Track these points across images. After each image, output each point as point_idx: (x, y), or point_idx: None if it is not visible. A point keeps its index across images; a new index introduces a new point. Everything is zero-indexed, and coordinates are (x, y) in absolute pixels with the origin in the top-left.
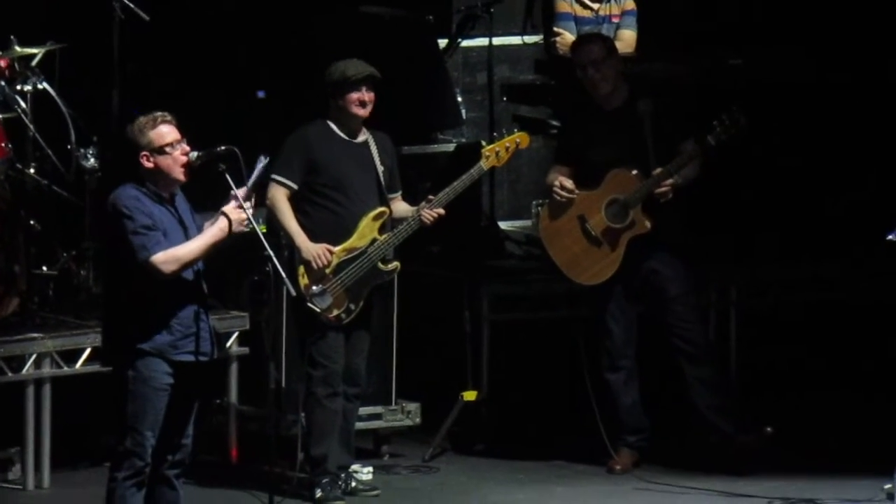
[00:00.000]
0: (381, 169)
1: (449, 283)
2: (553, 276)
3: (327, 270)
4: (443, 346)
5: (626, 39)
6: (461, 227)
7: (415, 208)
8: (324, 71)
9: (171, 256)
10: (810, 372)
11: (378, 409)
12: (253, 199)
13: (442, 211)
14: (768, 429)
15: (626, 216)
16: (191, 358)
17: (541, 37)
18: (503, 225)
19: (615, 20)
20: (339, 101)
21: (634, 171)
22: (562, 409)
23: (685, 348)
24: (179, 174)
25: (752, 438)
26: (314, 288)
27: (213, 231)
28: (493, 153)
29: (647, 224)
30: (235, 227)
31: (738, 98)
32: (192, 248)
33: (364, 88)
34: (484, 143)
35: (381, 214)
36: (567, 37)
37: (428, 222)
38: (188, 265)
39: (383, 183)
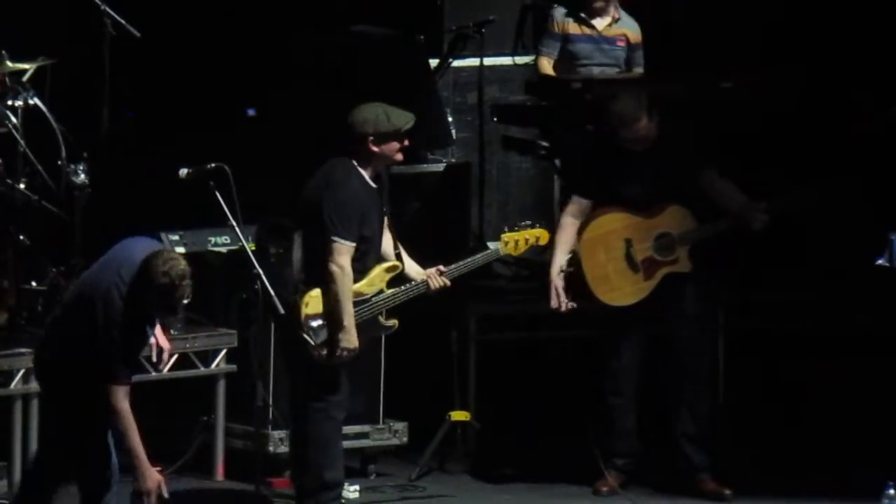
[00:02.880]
0: (385, 211)
1: (436, 302)
2: (540, 297)
3: None
4: (430, 366)
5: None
6: (450, 247)
7: (424, 273)
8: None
9: (121, 412)
10: (798, 394)
11: (365, 428)
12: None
13: (449, 283)
14: (727, 492)
15: (672, 251)
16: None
17: (531, 58)
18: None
19: (620, 44)
20: (379, 148)
21: (692, 212)
22: (548, 430)
23: (689, 371)
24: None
25: (712, 488)
26: (313, 321)
27: (145, 465)
28: (513, 241)
29: (689, 265)
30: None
31: (729, 121)
32: (134, 440)
33: (401, 142)
34: (506, 228)
35: (394, 268)
36: (545, 64)
37: (434, 289)
38: (121, 430)
39: (386, 229)
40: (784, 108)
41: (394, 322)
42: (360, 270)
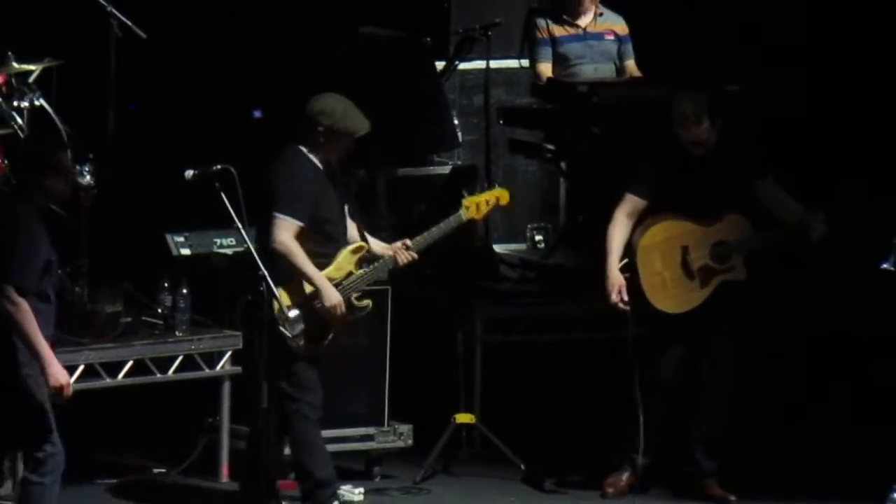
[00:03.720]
0: (346, 196)
1: (443, 305)
2: (546, 299)
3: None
4: (436, 368)
5: (631, 69)
6: (456, 249)
7: (390, 250)
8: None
9: (22, 313)
10: (803, 401)
11: (370, 431)
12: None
13: (416, 256)
14: (732, 497)
15: (728, 259)
16: None
17: (530, 63)
18: (498, 248)
19: (609, 37)
20: (326, 141)
21: (749, 221)
22: (554, 432)
23: (717, 381)
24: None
25: (718, 493)
26: (288, 312)
27: (47, 352)
28: (474, 205)
29: (744, 273)
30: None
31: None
32: (35, 336)
33: (357, 142)
34: (465, 193)
35: (359, 249)
36: (544, 69)
37: (402, 264)
38: (22, 335)
39: (346, 209)
40: (787, 112)
41: (367, 302)
42: (325, 256)
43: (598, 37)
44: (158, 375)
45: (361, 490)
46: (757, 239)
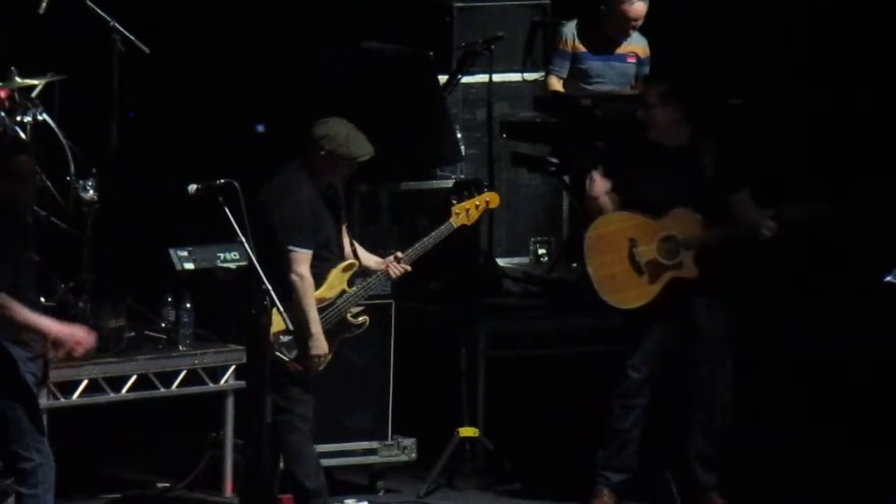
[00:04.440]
0: (342, 214)
1: (446, 319)
2: (550, 313)
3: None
4: (439, 383)
5: None
6: (459, 263)
7: (383, 263)
8: (320, 105)
9: (6, 305)
10: (806, 415)
11: (374, 445)
12: None
13: (409, 268)
14: None
15: (676, 255)
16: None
17: (541, 74)
18: (501, 262)
19: (630, 60)
20: (327, 166)
21: (700, 216)
22: (557, 447)
23: (703, 396)
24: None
25: None
26: (283, 338)
27: (43, 321)
28: (464, 211)
29: (695, 271)
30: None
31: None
32: (27, 317)
33: (351, 172)
34: (454, 200)
35: (350, 266)
36: (554, 82)
37: (394, 277)
38: (12, 323)
39: (343, 229)
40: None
41: (364, 319)
42: (317, 275)
43: (621, 58)
44: (162, 390)
45: (365, 503)
46: (705, 236)
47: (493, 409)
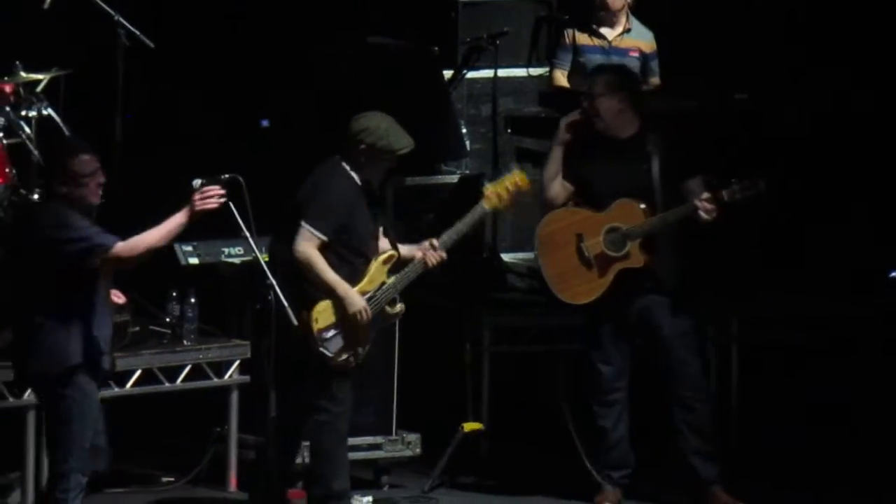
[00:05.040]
0: (382, 210)
1: (450, 314)
2: (555, 308)
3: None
4: (444, 378)
5: (656, 86)
6: (463, 258)
7: (419, 252)
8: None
9: (136, 241)
10: (812, 408)
11: (378, 440)
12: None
13: (445, 255)
14: None
15: (623, 246)
16: (107, 368)
17: (546, 69)
18: (506, 257)
19: (633, 54)
20: (368, 160)
21: (643, 206)
22: (562, 442)
23: (678, 392)
24: (94, 200)
25: (724, 500)
26: (326, 333)
27: (176, 217)
28: (495, 195)
29: (642, 259)
30: (198, 207)
31: (743, 132)
32: (157, 233)
33: (392, 164)
34: (486, 182)
35: (390, 259)
36: (558, 76)
37: (431, 265)
38: (153, 249)
39: (385, 224)
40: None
41: (400, 307)
42: (355, 270)
43: (622, 53)
44: (166, 385)
45: (370, 499)
46: (648, 224)
47: (498, 404)
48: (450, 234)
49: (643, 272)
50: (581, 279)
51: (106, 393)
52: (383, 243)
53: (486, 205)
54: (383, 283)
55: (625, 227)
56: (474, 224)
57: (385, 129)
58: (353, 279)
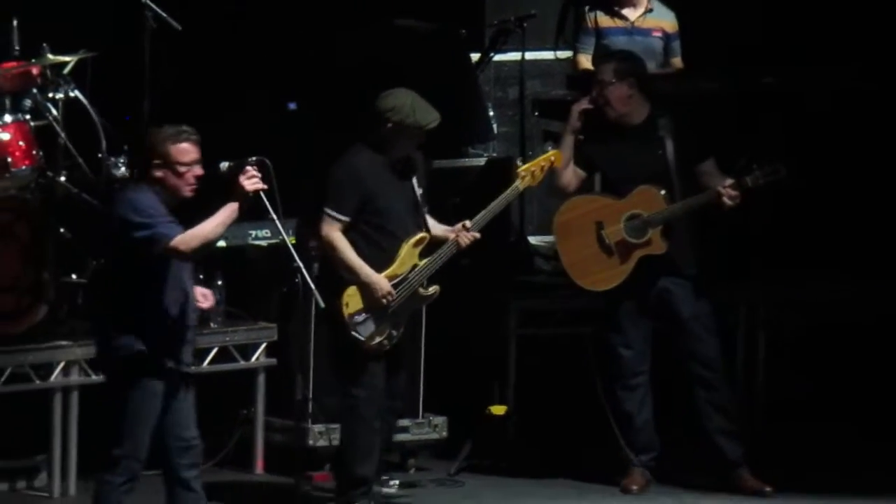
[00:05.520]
0: (419, 192)
1: (477, 297)
2: (581, 291)
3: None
4: (470, 361)
5: (677, 66)
6: (490, 241)
7: (452, 233)
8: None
9: (191, 235)
10: (840, 397)
11: (405, 423)
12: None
13: (478, 235)
14: (768, 488)
15: (644, 233)
16: (185, 368)
17: (572, 52)
18: (532, 240)
19: (656, 34)
20: (395, 137)
21: (663, 192)
22: (588, 425)
23: (699, 372)
24: (185, 192)
25: (753, 484)
26: (357, 317)
27: (229, 206)
28: (529, 173)
29: (663, 246)
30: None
31: (768, 116)
32: (211, 223)
33: (418, 140)
34: (519, 162)
35: (421, 241)
36: (583, 60)
37: (464, 246)
38: (210, 242)
39: (420, 206)
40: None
41: (434, 289)
42: (387, 252)
43: (645, 33)
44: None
45: (396, 482)
46: (669, 210)
47: (524, 387)
48: (483, 215)
49: (662, 256)
50: (602, 266)
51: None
52: (435, 230)
53: (520, 184)
54: (415, 266)
55: (646, 213)
56: (507, 204)
57: (411, 106)
58: (381, 261)
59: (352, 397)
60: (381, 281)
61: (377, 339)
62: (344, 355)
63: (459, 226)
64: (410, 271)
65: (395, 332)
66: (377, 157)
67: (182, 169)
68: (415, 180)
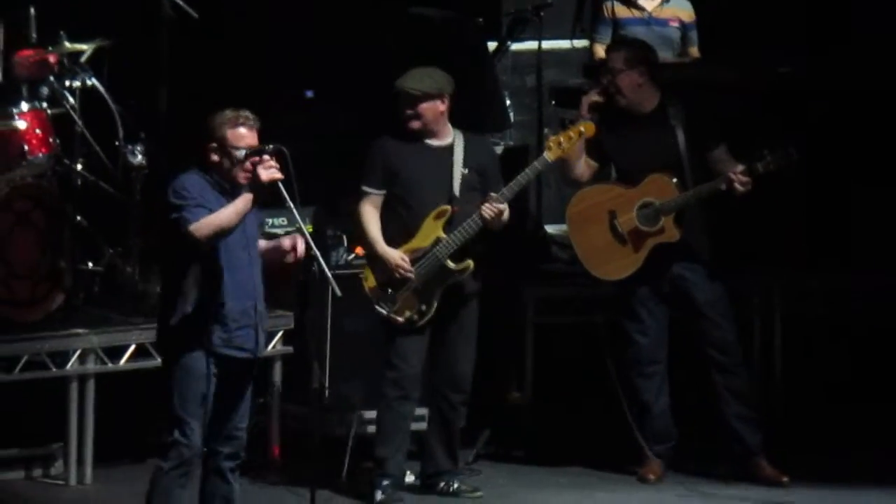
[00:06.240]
0: (461, 172)
1: (494, 285)
2: (598, 279)
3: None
4: (487, 349)
5: (694, 56)
6: (506, 229)
7: (478, 204)
8: (373, 71)
9: (205, 222)
10: (858, 383)
11: (422, 411)
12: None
13: (504, 206)
14: (785, 478)
15: (657, 221)
16: (236, 353)
17: (589, 41)
18: (549, 229)
19: (673, 24)
20: (398, 105)
21: (675, 180)
22: (604, 414)
23: (716, 357)
24: (240, 179)
25: (769, 473)
26: (379, 290)
27: (245, 195)
28: (557, 143)
29: (676, 233)
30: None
31: (784, 105)
32: (226, 212)
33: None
34: (548, 130)
35: (442, 213)
36: (599, 49)
37: (489, 217)
38: (223, 230)
39: (456, 186)
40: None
41: (467, 264)
42: (406, 223)
43: (662, 23)
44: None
45: (413, 476)
46: (682, 197)
47: (541, 375)
48: (510, 187)
49: (676, 243)
50: (615, 255)
51: (148, 363)
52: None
53: (548, 156)
54: (439, 239)
55: (658, 201)
56: (535, 175)
57: (404, 76)
58: (401, 234)
59: (382, 377)
60: (390, 253)
61: (406, 314)
62: (385, 334)
63: (485, 198)
64: (434, 245)
65: (424, 308)
66: (409, 132)
67: (238, 154)
68: (458, 159)
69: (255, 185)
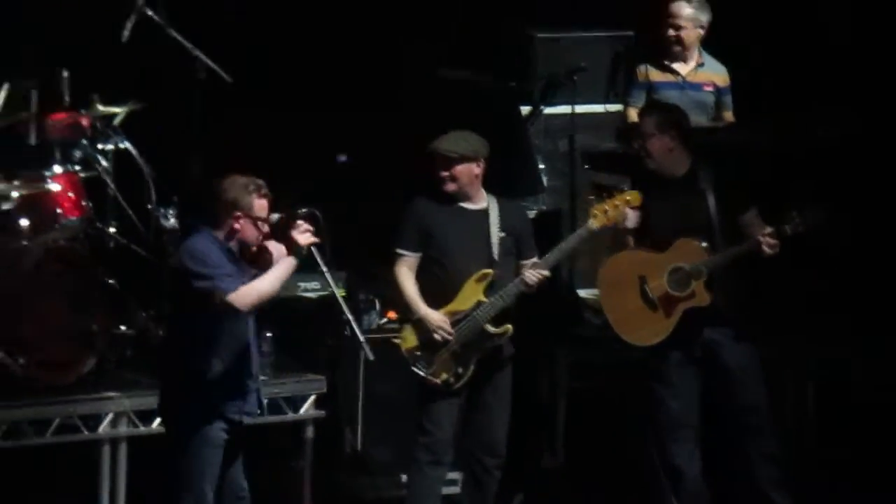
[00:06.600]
0: (498, 236)
1: (527, 350)
2: (631, 344)
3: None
4: (520, 413)
5: (729, 120)
6: (539, 294)
7: (520, 270)
8: (407, 135)
9: (248, 290)
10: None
11: (455, 476)
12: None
13: (547, 273)
14: None
15: (687, 286)
16: (247, 419)
17: (623, 105)
18: (581, 293)
19: (707, 88)
20: (433, 166)
21: (704, 244)
22: (637, 478)
23: (749, 421)
24: (256, 244)
25: None
26: (416, 352)
27: (286, 260)
28: (603, 212)
29: (707, 298)
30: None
31: (814, 167)
32: (268, 279)
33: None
34: (593, 197)
35: (484, 276)
36: (632, 113)
37: (532, 283)
38: (267, 297)
39: (495, 250)
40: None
41: (506, 328)
42: (444, 286)
43: (697, 87)
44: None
45: None
46: (711, 261)
47: (575, 439)
48: (553, 254)
49: (707, 307)
50: (647, 321)
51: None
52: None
53: (593, 224)
54: (480, 302)
55: (688, 266)
56: (579, 243)
57: (439, 138)
58: (438, 296)
59: (414, 442)
60: (431, 315)
61: (443, 377)
62: (417, 398)
63: (528, 263)
64: (475, 308)
65: (461, 371)
66: (443, 195)
67: (262, 224)
68: (494, 224)
69: (293, 250)
